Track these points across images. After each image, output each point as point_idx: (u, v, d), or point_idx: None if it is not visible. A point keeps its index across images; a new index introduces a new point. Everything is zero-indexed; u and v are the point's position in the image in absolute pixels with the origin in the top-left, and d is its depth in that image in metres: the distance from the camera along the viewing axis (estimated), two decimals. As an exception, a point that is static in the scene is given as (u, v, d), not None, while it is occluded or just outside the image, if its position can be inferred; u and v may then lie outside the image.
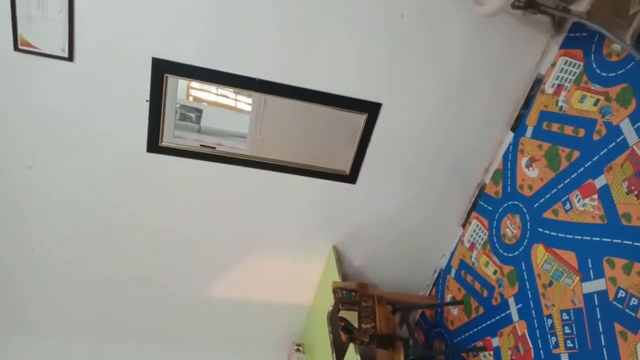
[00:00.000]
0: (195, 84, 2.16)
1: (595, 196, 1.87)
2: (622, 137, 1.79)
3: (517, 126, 2.39)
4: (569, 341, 1.91)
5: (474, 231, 2.63)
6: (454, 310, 2.70)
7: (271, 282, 2.86)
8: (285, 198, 2.52)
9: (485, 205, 2.56)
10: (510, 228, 2.33)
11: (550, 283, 2.04)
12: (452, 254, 2.81)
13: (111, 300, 2.75)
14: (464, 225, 2.74)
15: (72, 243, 2.48)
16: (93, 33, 1.92)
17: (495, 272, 2.41)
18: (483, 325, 2.45)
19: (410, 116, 2.35)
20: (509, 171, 2.41)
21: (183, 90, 2.16)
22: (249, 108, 2.26)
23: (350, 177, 2.49)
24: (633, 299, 1.65)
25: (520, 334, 2.18)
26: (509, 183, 2.40)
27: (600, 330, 1.77)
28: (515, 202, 2.33)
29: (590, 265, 1.86)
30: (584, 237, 1.90)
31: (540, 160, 2.20)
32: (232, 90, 2.19)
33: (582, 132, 1.99)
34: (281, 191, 2.48)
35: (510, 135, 2.44)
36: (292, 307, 3.00)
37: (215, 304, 2.88)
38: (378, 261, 2.87)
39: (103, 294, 2.71)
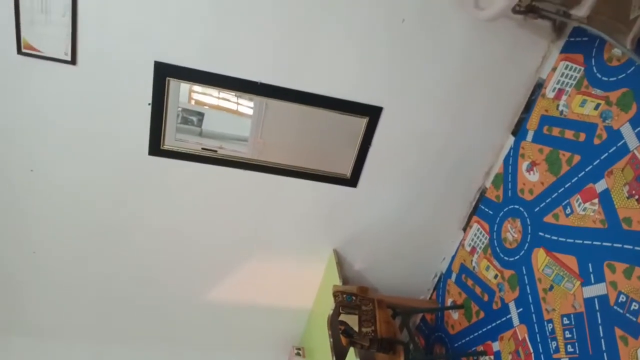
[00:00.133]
0: (197, 87, 2.17)
1: (596, 200, 1.87)
2: (623, 141, 1.79)
3: (518, 130, 2.40)
4: (569, 346, 1.90)
5: (475, 235, 2.62)
6: (455, 315, 2.70)
7: (271, 285, 2.86)
8: (286, 201, 2.52)
9: (486, 209, 2.56)
10: (511, 232, 2.33)
11: (551, 287, 2.04)
12: (453, 257, 2.81)
13: (111, 302, 2.75)
14: (464, 229, 2.74)
15: (73, 245, 2.49)
16: (96, 37, 1.94)
17: (495, 276, 2.41)
18: (483, 330, 2.44)
19: (411, 120, 2.36)
20: (509, 175, 2.41)
21: (185, 93, 2.17)
22: (250, 111, 2.26)
23: (351, 181, 2.50)
24: (634, 303, 1.65)
25: (520, 338, 2.17)
26: (509, 187, 2.40)
27: (601, 334, 1.77)
28: (516, 206, 2.33)
29: (590, 270, 1.86)
30: (585, 242, 1.90)
31: (541, 165, 2.20)
32: (234, 93, 2.20)
33: (582, 137, 1.99)
34: (282, 194, 2.49)
35: (511, 139, 2.44)
36: (293, 310, 3.00)
37: (216, 307, 2.89)
38: (379, 265, 2.87)
39: (103, 295, 2.71)
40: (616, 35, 1.66)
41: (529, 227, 2.22)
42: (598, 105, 1.93)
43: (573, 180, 2.00)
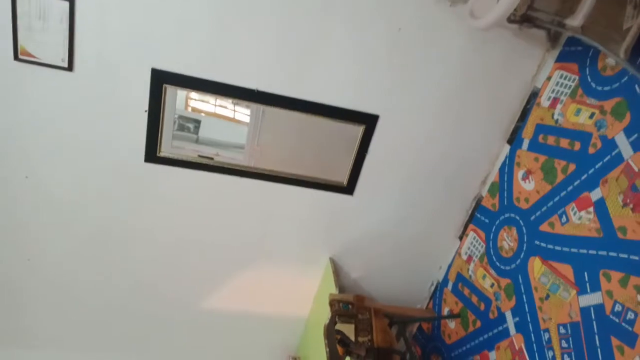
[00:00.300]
0: (194, 94, 2.18)
1: (591, 209, 1.87)
2: (617, 150, 1.80)
3: (514, 139, 2.41)
4: (566, 355, 1.89)
5: (471, 243, 2.62)
6: (451, 324, 2.68)
7: (268, 294, 2.85)
8: (283, 209, 2.52)
9: (482, 218, 2.56)
10: (507, 241, 2.33)
11: (547, 296, 2.03)
12: (449, 266, 2.80)
13: (108, 310, 2.73)
14: (461, 238, 2.73)
15: (69, 253, 2.47)
16: (93, 43, 1.95)
17: (492, 285, 2.40)
18: (480, 339, 2.43)
19: (407, 128, 2.37)
20: (505, 184, 2.42)
21: (182, 100, 2.18)
22: (247, 119, 2.27)
23: (348, 189, 2.50)
24: (630, 312, 1.65)
25: (517, 348, 2.16)
26: (505, 195, 2.40)
27: (597, 344, 1.76)
28: (511, 215, 2.33)
29: (586, 279, 1.85)
30: (580, 250, 1.90)
31: (537, 173, 2.20)
32: (231, 101, 2.21)
33: (577, 145, 2.00)
34: (278, 202, 2.49)
35: (507, 147, 2.45)
36: (289, 319, 2.98)
37: (212, 316, 2.86)
38: (375, 273, 2.86)
39: (100, 304, 2.69)
40: (610, 45, 1.67)
41: (525, 235, 2.21)
42: (593, 114, 1.94)
43: (568, 189, 2.01)
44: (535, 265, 2.12)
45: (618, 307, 1.70)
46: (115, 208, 2.37)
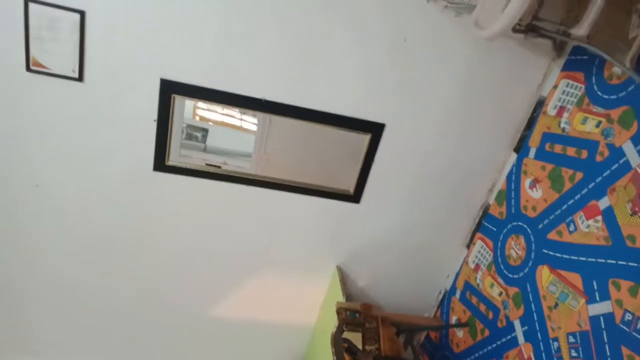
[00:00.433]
0: (201, 104, 2.20)
1: (599, 217, 1.87)
2: (625, 158, 1.79)
3: (520, 147, 2.41)
4: (575, 365, 1.88)
5: (479, 252, 2.61)
6: (459, 333, 2.67)
7: (275, 302, 2.84)
8: (290, 217, 2.52)
9: (490, 226, 2.56)
10: (515, 249, 2.32)
11: (556, 305, 2.02)
12: (457, 275, 2.79)
13: (114, 317, 2.74)
14: (468, 246, 2.73)
15: (76, 260, 2.49)
16: (103, 54, 1.98)
17: (500, 294, 2.39)
18: (489, 348, 2.41)
19: (414, 136, 2.38)
20: (512, 192, 2.41)
21: (190, 110, 2.20)
22: (254, 128, 2.29)
23: (355, 197, 2.50)
24: (640, 321, 1.63)
25: (526, 357, 2.14)
26: (512, 204, 2.40)
27: (608, 354, 1.74)
28: (519, 223, 2.32)
29: (595, 287, 1.84)
30: (589, 259, 1.89)
31: (544, 181, 2.20)
32: (238, 110, 2.23)
33: (584, 154, 2.00)
34: (285, 210, 2.49)
35: (514, 156, 2.45)
36: (296, 327, 2.97)
37: (218, 324, 2.86)
38: (382, 282, 2.85)
39: (106, 311, 2.70)
40: (616, 54, 1.68)
41: (533, 244, 2.21)
42: (599, 122, 1.94)
43: (576, 197, 2.00)
44: (544, 274, 2.11)
45: (628, 316, 1.68)
46: (123, 215, 2.39)
